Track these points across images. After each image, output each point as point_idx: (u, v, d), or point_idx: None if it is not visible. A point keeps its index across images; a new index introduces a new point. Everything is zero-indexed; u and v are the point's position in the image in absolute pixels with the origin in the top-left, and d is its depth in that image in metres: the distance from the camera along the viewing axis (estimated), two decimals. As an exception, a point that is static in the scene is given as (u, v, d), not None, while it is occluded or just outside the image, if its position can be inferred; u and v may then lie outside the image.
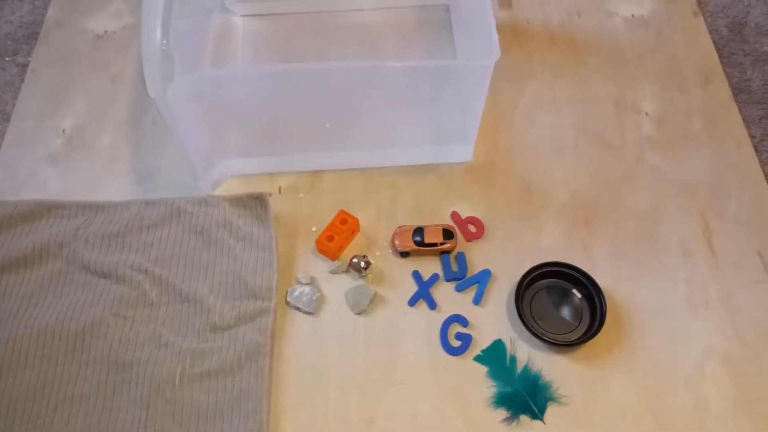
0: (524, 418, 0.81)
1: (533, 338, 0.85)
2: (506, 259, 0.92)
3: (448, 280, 0.91)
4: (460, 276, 0.91)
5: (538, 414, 0.81)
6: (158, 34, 0.84)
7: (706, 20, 1.17)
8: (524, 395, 0.82)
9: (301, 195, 0.98)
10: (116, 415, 0.80)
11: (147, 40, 0.82)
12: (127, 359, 0.83)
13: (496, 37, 0.83)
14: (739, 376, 0.84)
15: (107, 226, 0.94)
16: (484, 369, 0.84)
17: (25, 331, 0.85)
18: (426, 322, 0.88)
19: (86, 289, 0.89)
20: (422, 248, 0.91)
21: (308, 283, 0.90)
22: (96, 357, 0.83)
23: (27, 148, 1.04)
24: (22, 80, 1.11)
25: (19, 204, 0.95)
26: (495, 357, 0.85)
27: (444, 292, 0.90)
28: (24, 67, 1.13)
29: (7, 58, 1.15)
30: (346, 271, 0.92)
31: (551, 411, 0.82)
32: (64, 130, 1.06)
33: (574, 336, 0.86)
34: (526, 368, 0.84)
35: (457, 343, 0.86)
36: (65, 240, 0.92)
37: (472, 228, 0.95)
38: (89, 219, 0.95)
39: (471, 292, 0.90)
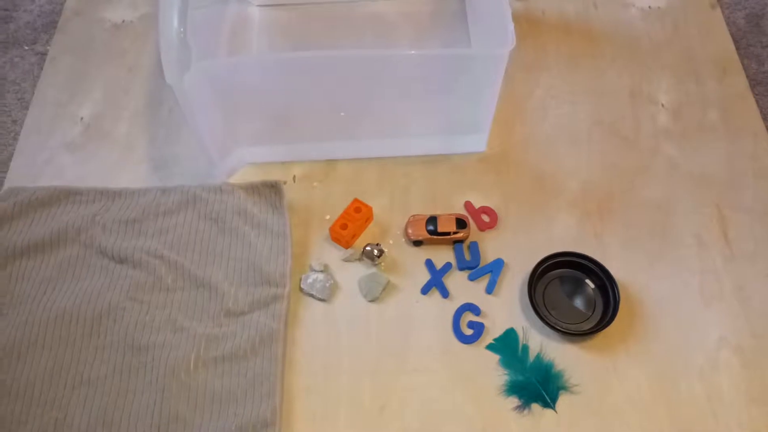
0: (536, 407, 0.81)
1: (546, 327, 0.85)
2: (519, 249, 0.92)
3: (461, 269, 0.91)
4: (473, 265, 0.91)
5: (549, 402, 0.81)
6: (175, 23, 0.85)
7: (723, 12, 1.16)
8: (536, 384, 0.82)
9: (315, 183, 0.99)
10: (131, 397, 0.81)
11: (164, 29, 0.83)
12: (143, 343, 0.84)
13: (511, 26, 0.83)
14: (752, 368, 0.83)
15: (124, 212, 0.95)
16: (496, 357, 0.85)
17: (43, 314, 0.86)
18: (438, 311, 0.88)
19: (103, 274, 0.90)
20: (435, 237, 0.92)
21: (322, 271, 0.90)
22: (112, 340, 0.85)
23: (45, 135, 1.05)
24: (41, 69, 1.13)
25: (38, 190, 0.96)
26: (507, 345, 0.85)
27: (457, 280, 0.91)
28: (43, 55, 1.15)
29: (26, 47, 1.17)
30: (360, 259, 0.92)
31: (563, 400, 0.82)
32: (81, 118, 1.07)
33: (586, 326, 0.86)
34: (538, 357, 0.84)
35: (469, 332, 0.86)
36: (83, 226, 0.93)
37: (485, 217, 0.95)
38: (106, 205, 0.96)
39: (484, 281, 0.90)
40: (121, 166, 1.02)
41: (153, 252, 0.90)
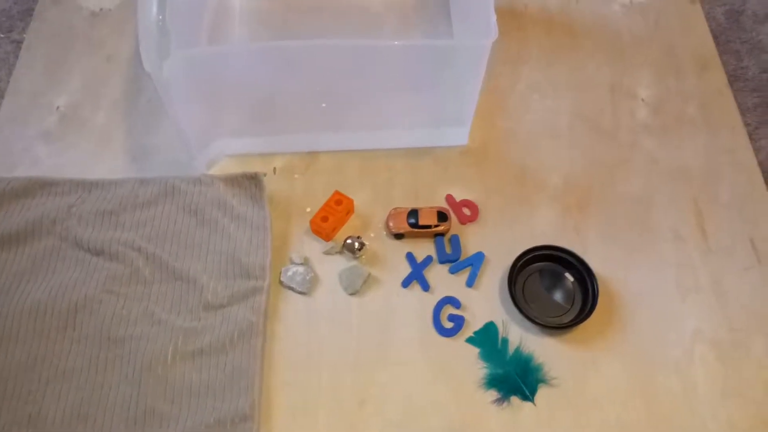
0: (515, 400, 0.82)
1: (525, 321, 0.86)
2: (500, 242, 0.93)
3: (441, 262, 0.91)
4: (453, 258, 0.91)
5: (528, 395, 0.82)
6: (154, 10, 0.84)
7: (703, 7, 1.17)
8: (515, 377, 0.82)
9: (296, 175, 0.98)
10: (107, 391, 0.80)
11: (143, 15, 0.81)
12: (119, 336, 0.83)
13: (493, 17, 0.83)
14: (728, 361, 0.84)
15: (101, 203, 0.93)
16: (476, 350, 0.85)
17: (17, 307, 0.85)
18: (419, 304, 0.88)
19: (79, 266, 0.88)
20: (416, 230, 0.92)
21: (302, 263, 0.90)
22: (88, 333, 0.83)
23: (21, 125, 1.03)
24: (17, 57, 1.10)
25: (12, 180, 0.95)
26: (487, 339, 0.86)
27: (437, 274, 0.91)
28: (19, 43, 1.13)
29: (1, 35, 1.15)
30: (340, 252, 0.92)
31: (542, 393, 0.82)
32: (58, 108, 1.05)
33: (565, 319, 0.87)
34: (517, 350, 0.85)
35: (449, 325, 0.86)
36: (58, 217, 0.92)
37: (466, 211, 0.95)
38: (83, 196, 0.94)
39: (464, 275, 0.90)
40: (98, 157, 1.00)
41: (130, 244, 0.89)
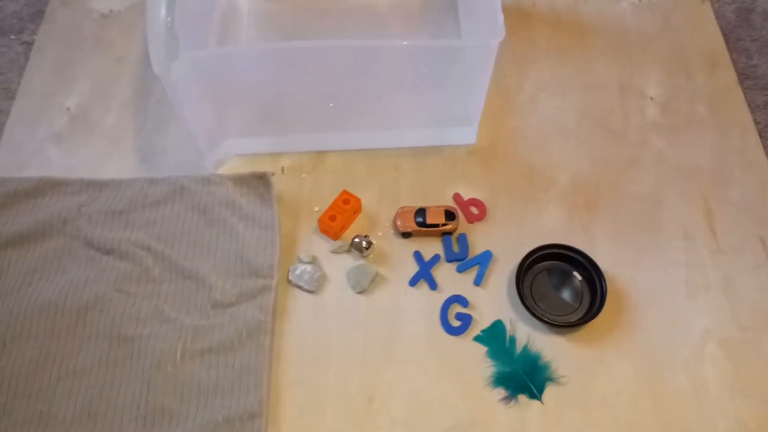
0: (522, 398, 0.82)
1: (533, 319, 0.86)
2: (507, 241, 0.92)
3: (449, 260, 0.91)
4: (461, 257, 0.91)
5: (536, 394, 0.81)
6: (163, 12, 0.84)
7: (713, 5, 1.16)
8: (523, 375, 0.82)
9: (304, 175, 0.98)
10: (117, 389, 0.81)
11: (152, 17, 0.82)
12: (129, 334, 0.84)
13: (501, 17, 0.83)
14: (738, 360, 0.84)
15: (111, 203, 0.94)
16: (484, 349, 0.85)
17: (28, 305, 0.85)
18: (426, 302, 0.88)
19: (89, 265, 0.89)
20: (424, 229, 0.92)
21: (310, 262, 0.90)
22: (98, 332, 0.84)
23: (31, 126, 1.04)
24: (27, 59, 1.11)
25: (24, 181, 0.96)
26: (495, 337, 0.86)
27: (445, 272, 0.91)
28: (29, 45, 1.14)
29: (12, 37, 1.16)
30: (348, 251, 0.92)
31: (549, 391, 0.82)
32: (68, 109, 1.06)
33: (573, 318, 0.86)
34: (525, 349, 0.84)
35: (457, 323, 0.86)
36: (69, 216, 0.93)
37: (474, 210, 0.95)
38: (93, 196, 0.95)
39: (472, 273, 0.90)
40: (108, 157, 1.01)
41: (140, 243, 0.90)
